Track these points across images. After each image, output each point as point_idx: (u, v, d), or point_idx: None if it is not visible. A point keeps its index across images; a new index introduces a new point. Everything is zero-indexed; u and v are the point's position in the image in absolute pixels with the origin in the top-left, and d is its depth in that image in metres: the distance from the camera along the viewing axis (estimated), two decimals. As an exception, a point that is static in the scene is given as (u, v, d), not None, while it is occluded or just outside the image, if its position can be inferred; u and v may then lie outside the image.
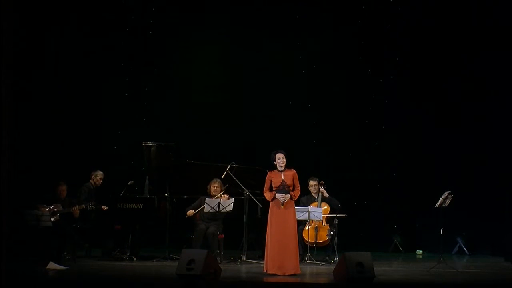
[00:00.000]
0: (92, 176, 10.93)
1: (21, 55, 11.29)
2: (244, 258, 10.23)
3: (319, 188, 10.44)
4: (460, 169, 12.21)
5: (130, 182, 10.69)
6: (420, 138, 12.62)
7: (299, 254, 9.47)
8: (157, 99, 12.80)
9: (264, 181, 9.21)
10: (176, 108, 12.74)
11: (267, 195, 9.15)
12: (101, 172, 10.97)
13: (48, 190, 10.61)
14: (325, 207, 10.38)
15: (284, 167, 9.12)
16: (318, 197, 10.44)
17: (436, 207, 9.67)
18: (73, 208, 10.30)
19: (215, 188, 10.37)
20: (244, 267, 9.85)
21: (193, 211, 10.29)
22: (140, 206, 10.40)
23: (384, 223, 12.52)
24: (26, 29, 11.47)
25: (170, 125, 12.47)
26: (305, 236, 10.27)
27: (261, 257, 9.92)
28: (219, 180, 10.43)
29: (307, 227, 10.28)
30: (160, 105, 12.75)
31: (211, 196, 10.29)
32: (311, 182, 10.52)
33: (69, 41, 12.48)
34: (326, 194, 10.48)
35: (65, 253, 10.20)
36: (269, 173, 9.25)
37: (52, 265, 9.09)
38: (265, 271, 8.97)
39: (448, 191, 9.59)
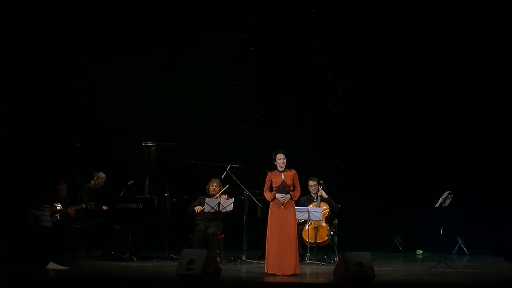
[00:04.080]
0: (94, 178, 10.92)
1: (20, 55, 11.33)
2: (244, 258, 10.22)
3: (318, 188, 10.44)
4: (460, 169, 12.21)
5: (130, 182, 10.69)
6: (420, 138, 12.63)
7: (299, 254, 9.48)
8: (157, 99, 12.80)
9: (264, 181, 9.22)
10: (176, 108, 12.74)
11: (267, 195, 9.15)
12: (103, 175, 10.95)
13: (48, 190, 10.63)
14: (325, 206, 10.38)
15: (284, 167, 9.12)
16: (317, 198, 10.44)
17: (436, 207, 9.66)
18: (69, 209, 10.30)
19: (214, 187, 10.37)
20: (244, 267, 9.85)
21: (200, 207, 10.24)
22: (140, 206, 10.40)
23: (384, 223, 12.52)
24: (23, 28, 11.48)
25: (170, 125, 12.46)
26: (305, 236, 10.27)
27: (261, 257, 9.94)
28: (217, 179, 10.43)
29: (306, 227, 10.28)
30: (160, 105, 12.75)
31: (210, 196, 10.29)
32: (311, 182, 10.52)
33: (68, 40, 12.48)
34: (325, 195, 10.48)
35: (65, 253, 10.20)
36: (269, 173, 9.25)
37: (52, 265, 9.09)
38: (265, 271, 8.98)
39: (448, 191, 9.59)
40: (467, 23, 12.37)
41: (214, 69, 12.80)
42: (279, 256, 8.91)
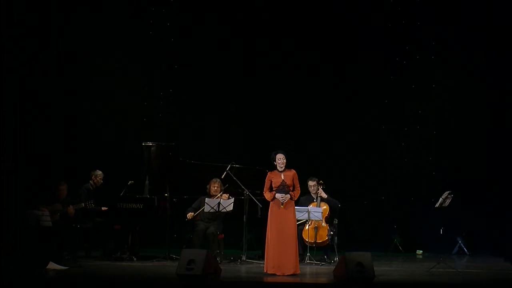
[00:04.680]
0: (92, 177, 10.93)
1: (20, 54, 11.32)
2: (244, 258, 10.22)
3: (318, 188, 10.44)
4: (460, 169, 12.22)
5: (130, 182, 10.69)
6: (420, 138, 12.63)
7: (299, 254, 9.48)
8: (157, 99, 12.80)
9: (264, 181, 9.22)
10: (176, 108, 12.74)
11: (267, 195, 9.15)
12: (100, 172, 10.96)
13: (48, 190, 10.62)
14: (325, 207, 10.38)
15: (284, 167, 9.12)
16: (317, 198, 10.44)
17: (436, 207, 9.66)
18: (69, 208, 10.30)
19: (215, 188, 10.36)
20: (244, 267, 9.85)
21: (193, 213, 10.28)
22: (140, 206, 10.40)
23: (384, 223, 12.52)
24: (24, 29, 11.48)
25: (170, 125, 12.46)
26: (305, 236, 10.27)
27: (261, 257, 9.93)
28: (219, 180, 10.43)
29: (306, 227, 10.28)
30: (160, 105, 12.74)
31: (211, 196, 10.28)
32: (310, 183, 10.52)
33: (69, 39, 12.47)
34: (324, 195, 10.47)
35: (65, 253, 10.19)
36: (269, 173, 9.26)
37: (52, 265, 9.09)
38: (265, 271, 8.98)
39: (448, 191, 9.58)
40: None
41: (213, 68, 12.79)
42: (279, 256, 8.91)
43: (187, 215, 10.29)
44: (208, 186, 10.42)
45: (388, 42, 12.69)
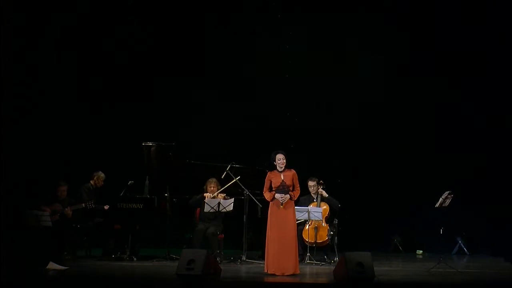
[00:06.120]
0: (95, 178, 10.92)
1: (20, 54, 11.31)
2: (244, 258, 10.22)
3: (318, 188, 10.44)
4: (460, 169, 12.22)
5: (130, 182, 10.69)
6: (420, 138, 12.63)
7: (299, 254, 9.48)
8: (158, 99, 12.80)
9: (264, 181, 9.22)
10: (176, 108, 12.74)
11: (267, 195, 9.15)
12: (103, 175, 10.95)
13: (48, 190, 10.62)
14: (325, 206, 10.39)
15: (284, 167, 9.12)
16: (317, 198, 10.44)
17: (436, 207, 9.66)
18: (66, 209, 10.29)
19: (212, 188, 10.36)
20: (244, 267, 9.85)
21: (210, 194, 10.24)
22: (140, 206, 10.41)
23: (384, 223, 12.52)
24: (25, 29, 11.47)
25: (170, 125, 12.46)
26: (305, 236, 10.27)
27: (261, 257, 9.93)
28: (215, 179, 10.42)
29: (306, 227, 10.28)
30: (160, 105, 12.75)
31: (209, 196, 10.30)
32: (310, 183, 10.52)
33: (69, 39, 12.46)
34: (325, 194, 10.48)
35: (65, 253, 10.20)
36: (268, 173, 9.25)
37: (52, 265, 9.09)
38: (265, 271, 8.98)
39: (448, 191, 9.58)
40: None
41: (213, 68, 12.79)
42: (278, 256, 8.91)
43: (204, 194, 10.25)
44: (205, 187, 10.41)
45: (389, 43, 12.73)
